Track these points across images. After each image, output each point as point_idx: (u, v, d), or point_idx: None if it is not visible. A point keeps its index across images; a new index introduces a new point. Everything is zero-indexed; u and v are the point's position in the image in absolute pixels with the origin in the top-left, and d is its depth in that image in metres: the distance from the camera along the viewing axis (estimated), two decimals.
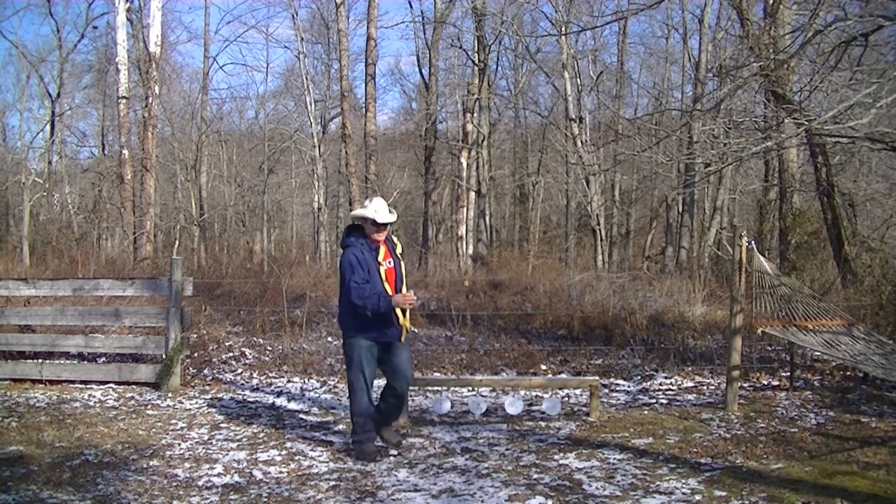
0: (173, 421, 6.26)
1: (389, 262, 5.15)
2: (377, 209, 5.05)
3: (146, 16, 18.41)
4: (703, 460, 5.00)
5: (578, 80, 21.92)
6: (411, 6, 26.26)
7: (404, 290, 5.13)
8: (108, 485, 4.58)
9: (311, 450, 5.40)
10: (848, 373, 7.41)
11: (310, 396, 7.28)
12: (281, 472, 4.87)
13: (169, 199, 27.61)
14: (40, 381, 7.62)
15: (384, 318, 5.04)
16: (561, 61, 21.30)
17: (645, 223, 26.43)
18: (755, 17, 10.29)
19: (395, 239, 5.30)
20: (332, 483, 4.64)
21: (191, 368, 8.21)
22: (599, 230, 20.10)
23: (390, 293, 5.06)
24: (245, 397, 7.26)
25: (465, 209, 21.88)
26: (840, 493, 4.24)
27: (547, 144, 26.67)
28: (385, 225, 5.10)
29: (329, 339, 9.89)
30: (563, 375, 7.86)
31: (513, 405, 6.32)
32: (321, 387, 7.69)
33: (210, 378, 8.06)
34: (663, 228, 23.80)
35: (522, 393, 7.08)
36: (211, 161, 28.59)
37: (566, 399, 7.07)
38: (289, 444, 5.54)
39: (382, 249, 5.16)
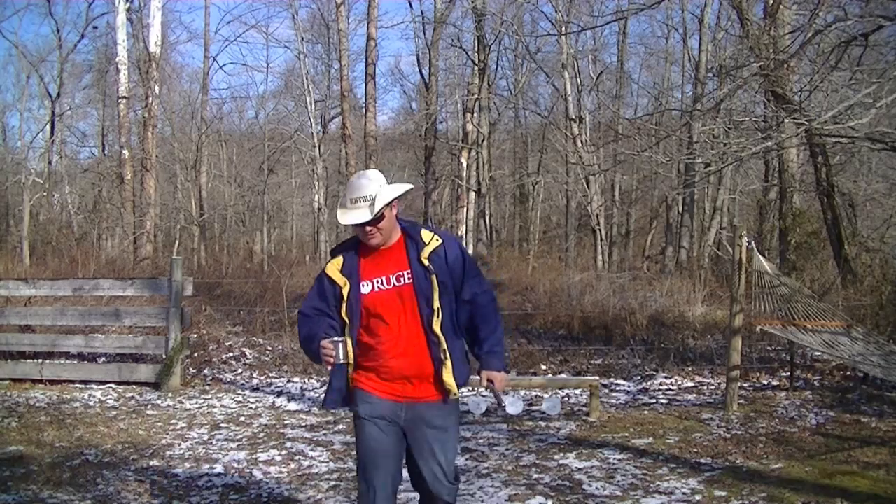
0: (173, 421, 6.26)
1: (396, 280, 2.92)
2: (345, 192, 2.95)
3: (146, 16, 18.41)
4: (703, 460, 5.00)
5: (578, 80, 21.91)
6: (411, 6, 26.32)
7: (436, 325, 2.88)
8: (108, 485, 4.58)
9: (311, 450, 5.40)
10: (848, 373, 7.41)
11: (310, 396, 7.28)
12: (281, 472, 4.87)
13: (169, 199, 27.59)
14: (40, 381, 7.63)
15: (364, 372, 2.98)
16: (561, 61, 21.29)
17: (645, 223, 26.41)
18: (755, 17, 10.28)
19: (425, 235, 2.99)
20: (332, 483, 4.64)
21: (191, 368, 8.21)
22: (599, 230, 20.09)
23: (378, 336, 2.92)
24: (245, 397, 7.26)
25: (465, 209, 21.87)
26: (840, 493, 4.24)
27: (547, 144, 26.65)
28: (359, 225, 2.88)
29: None
30: (563, 375, 7.86)
31: (513, 405, 6.32)
32: (321, 387, 7.69)
33: (210, 378, 8.07)
34: (663, 228, 23.79)
35: (522, 393, 7.08)
36: (211, 161, 28.58)
37: (566, 399, 7.07)
38: (289, 444, 5.54)
39: (389, 258, 2.96)
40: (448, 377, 2.89)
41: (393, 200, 2.90)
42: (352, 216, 2.84)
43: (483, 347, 3.01)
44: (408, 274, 2.91)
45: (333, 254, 3.05)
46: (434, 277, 2.89)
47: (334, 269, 2.97)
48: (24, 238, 20.69)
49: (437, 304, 2.88)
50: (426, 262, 2.91)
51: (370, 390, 2.93)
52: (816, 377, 7.52)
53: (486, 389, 3.01)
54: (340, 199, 2.94)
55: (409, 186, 3.07)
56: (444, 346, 2.88)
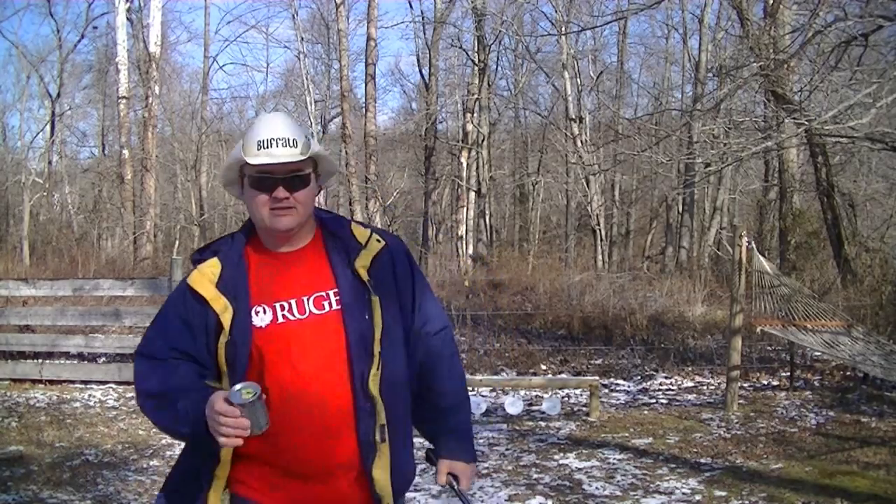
0: None
1: (315, 305, 1.77)
2: (250, 133, 1.78)
3: (146, 16, 18.42)
4: (703, 460, 5.01)
5: (578, 80, 21.91)
6: (411, 6, 26.29)
7: (372, 382, 1.73)
8: (108, 485, 4.59)
9: None
10: (848, 373, 7.41)
11: None
12: None
13: (169, 199, 27.60)
14: (40, 381, 7.62)
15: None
16: (561, 61, 21.29)
17: (645, 223, 26.40)
18: (755, 17, 10.29)
19: (359, 232, 1.87)
20: None
21: None
22: (599, 230, 20.09)
23: (273, 399, 1.69)
24: None
25: (465, 209, 21.86)
26: (840, 493, 4.25)
27: (547, 144, 26.64)
28: (270, 170, 1.73)
29: None
30: (563, 375, 7.86)
31: (513, 405, 6.32)
32: None
33: None
34: (663, 228, 23.79)
35: (522, 393, 7.08)
36: (211, 161, 28.57)
37: (566, 399, 7.07)
38: None
39: (301, 268, 1.82)
40: (380, 473, 1.73)
41: (323, 162, 1.85)
42: (269, 155, 1.71)
43: (443, 422, 1.88)
44: (334, 295, 1.77)
45: (201, 256, 1.82)
46: (377, 301, 1.77)
47: (205, 281, 1.75)
48: (24, 238, 20.69)
49: (377, 348, 1.74)
50: (364, 276, 1.78)
51: (258, 500, 1.74)
52: (816, 377, 7.53)
53: (446, 487, 1.88)
54: (241, 144, 1.77)
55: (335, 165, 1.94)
56: (383, 420, 1.73)
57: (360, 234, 1.85)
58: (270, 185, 1.73)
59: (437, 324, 1.91)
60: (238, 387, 1.60)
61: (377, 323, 1.76)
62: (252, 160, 1.72)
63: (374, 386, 1.73)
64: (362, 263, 1.80)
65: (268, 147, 1.72)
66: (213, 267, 1.78)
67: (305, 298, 1.77)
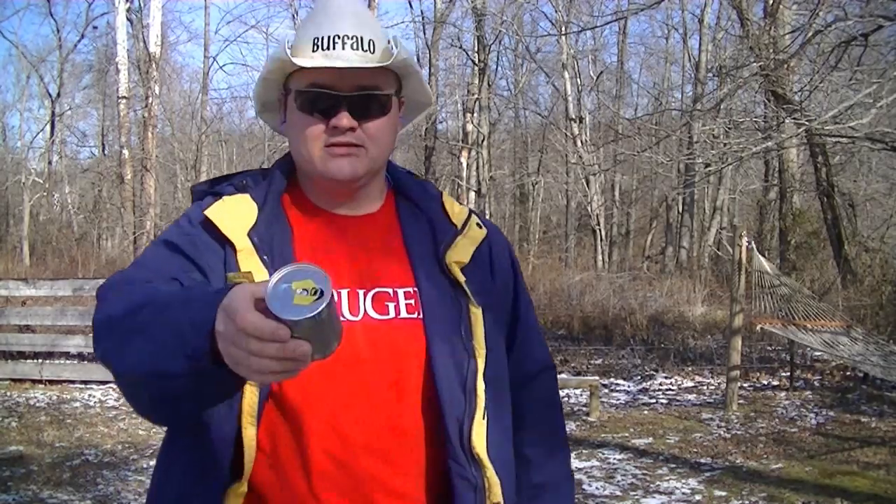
0: None
1: (374, 306, 1.09)
2: (306, 24, 1.13)
3: (146, 16, 18.42)
4: (703, 460, 5.01)
5: (578, 80, 21.94)
6: (411, 6, 26.31)
7: (477, 438, 1.08)
8: (108, 485, 4.59)
9: None
10: (848, 373, 7.41)
11: None
12: None
13: (169, 199, 27.61)
14: (40, 381, 7.62)
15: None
16: (561, 61, 21.31)
17: (645, 223, 26.41)
18: (755, 17, 10.30)
19: (453, 208, 1.22)
20: None
21: None
22: (599, 230, 20.10)
23: (306, 435, 1.03)
24: None
25: None
26: (840, 493, 4.25)
27: (547, 144, 26.65)
28: (329, 84, 1.08)
29: None
30: (563, 375, 7.86)
31: None
32: None
33: None
34: (663, 228, 23.81)
35: None
36: (211, 161, 28.61)
37: (566, 399, 7.07)
38: None
39: (364, 246, 1.15)
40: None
41: (412, 82, 1.21)
42: (328, 58, 1.09)
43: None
44: (405, 296, 1.13)
45: (217, 187, 1.17)
46: (478, 316, 1.14)
47: (234, 222, 1.10)
48: (24, 238, 20.71)
49: (480, 385, 1.12)
50: (459, 276, 1.15)
51: None
52: (816, 377, 7.53)
53: None
54: (286, 40, 1.13)
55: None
56: (498, 497, 1.11)
57: (456, 212, 1.22)
58: (328, 108, 1.10)
59: (538, 361, 1.33)
60: (279, 276, 0.80)
61: (479, 348, 1.12)
62: (303, 62, 1.09)
63: (479, 443, 1.09)
64: (458, 257, 1.16)
65: (329, 47, 1.09)
66: (246, 204, 1.11)
67: (362, 292, 1.11)
